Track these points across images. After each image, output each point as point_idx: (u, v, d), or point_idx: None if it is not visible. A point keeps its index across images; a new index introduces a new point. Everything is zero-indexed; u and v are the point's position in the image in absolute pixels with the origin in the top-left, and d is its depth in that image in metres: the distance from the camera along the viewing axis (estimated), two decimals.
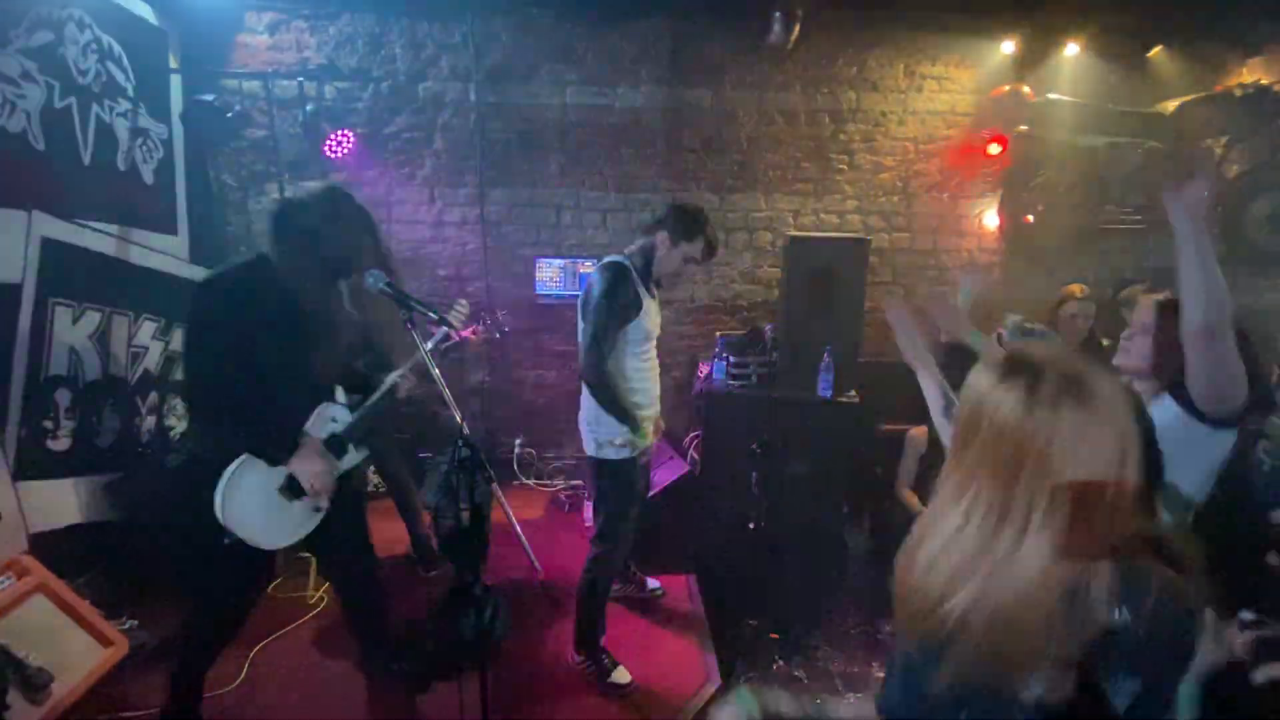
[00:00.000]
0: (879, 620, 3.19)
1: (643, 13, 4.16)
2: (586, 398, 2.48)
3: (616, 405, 2.36)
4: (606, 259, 2.44)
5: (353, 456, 2.04)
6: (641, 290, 2.40)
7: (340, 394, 2.05)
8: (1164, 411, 1.63)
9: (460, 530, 1.71)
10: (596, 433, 2.45)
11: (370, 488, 4.09)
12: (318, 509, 1.95)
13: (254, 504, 1.82)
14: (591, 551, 2.53)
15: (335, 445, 1.97)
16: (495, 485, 1.69)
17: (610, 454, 2.43)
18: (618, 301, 2.31)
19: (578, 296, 2.51)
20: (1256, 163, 4.23)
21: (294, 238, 1.76)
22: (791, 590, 3.26)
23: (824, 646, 3.04)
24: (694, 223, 2.41)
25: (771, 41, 3.99)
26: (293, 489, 1.87)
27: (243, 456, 1.79)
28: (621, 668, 2.56)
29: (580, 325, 2.45)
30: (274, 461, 1.83)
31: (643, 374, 2.48)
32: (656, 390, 2.58)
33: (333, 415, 1.98)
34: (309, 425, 1.92)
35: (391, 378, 2.07)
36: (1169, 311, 1.69)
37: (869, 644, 3.09)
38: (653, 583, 3.23)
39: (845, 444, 3.36)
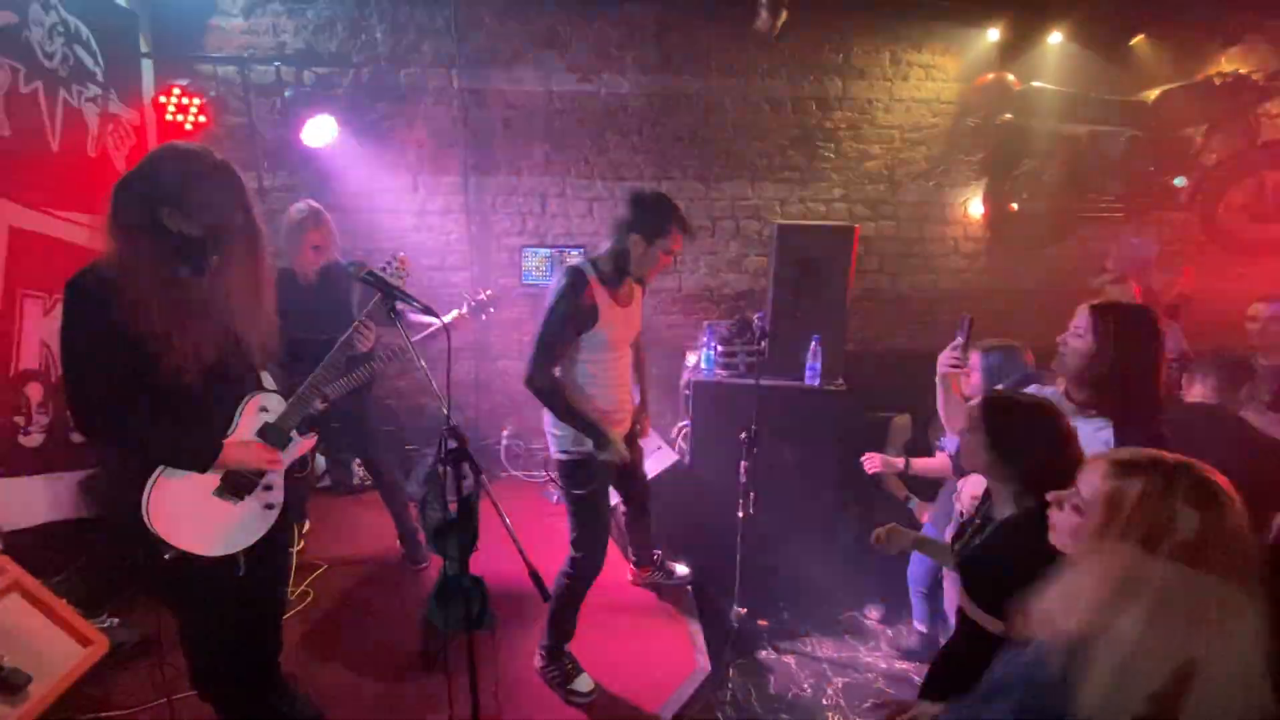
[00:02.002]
0: (866, 605, 3.23)
1: None
2: None
3: (571, 414, 2.31)
4: (569, 263, 2.41)
5: (299, 444, 1.84)
6: (604, 299, 2.33)
7: (268, 380, 1.83)
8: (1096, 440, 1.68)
9: (448, 523, 1.68)
10: (554, 433, 2.43)
11: (356, 480, 4.06)
12: (269, 506, 1.76)
13: (190, 511, 1.65)
14: (569, 555, 2.48)
15: (273, 437, 1.76)
16: (484, 477, 1.64)
17: (569, 448, 2.40)
18: (569, 312, 2.26)
19: None
20: (1234, 151, 4.29)
21: (133, 213, 1.52)
22: (780, 577, 3.28)
23: (812, 633, 3.08)
24: (662, 214, 2.34)
25: (758, 28, 3.96)
26: (232, 488, 1.70)
27: (159, 469, 1.61)
28: (585, 675, 2.49)
29: None
30: (196, 470, 1.64)
31: (599, 383, 2.41)
32: (622, 397, 2.52)
33: (262, 405, 1.77)
34: (234, 424, 1.71)
35: (333, 352, 1.85)
36: (1106, 317, 1.75)
37: (856, 630, 3.13)
38: (681, 569, 3.20)
39: (832, 432, 3.38)
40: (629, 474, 2.79)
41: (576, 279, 2.29)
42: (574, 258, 4.32)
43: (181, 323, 1.55)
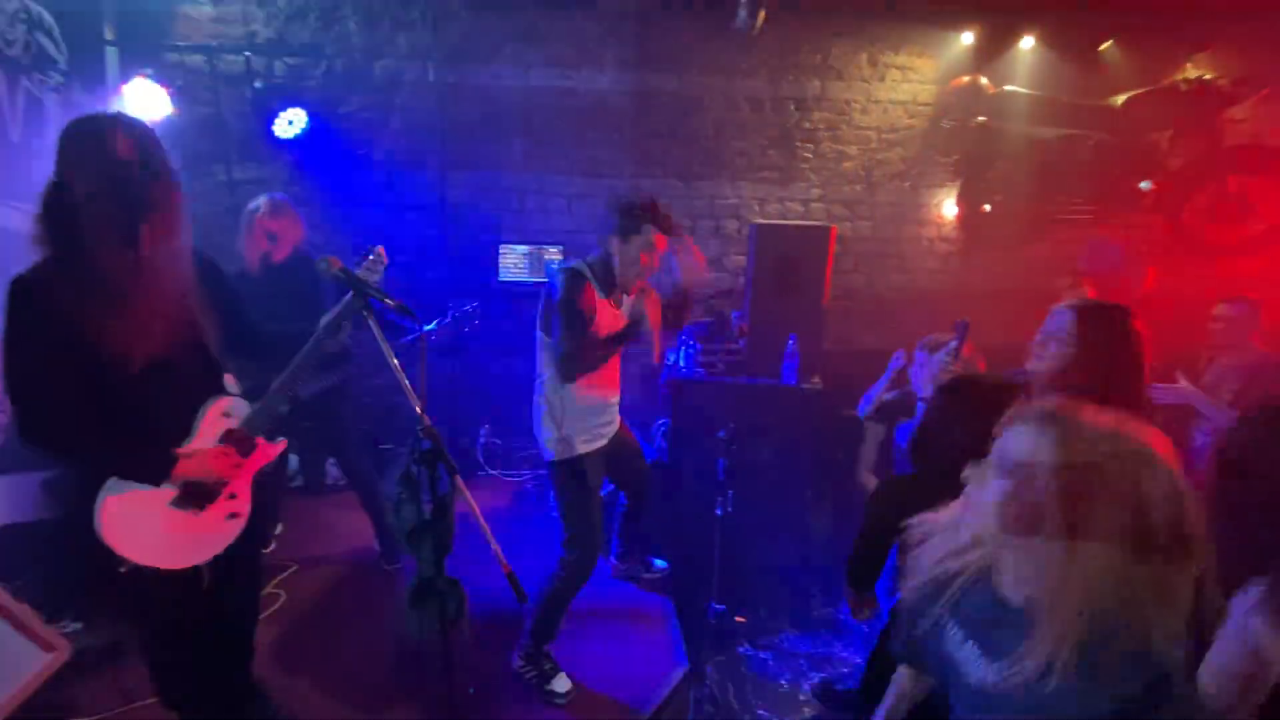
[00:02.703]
0: (842, 602, 3.26)
1: None
2: (537, 404, 2.47)
3: (607, 345, 2.31)
4: (563, 263, 2.41)
5: (266, 450, 1.75)
6: (599, 302, 2.35)
7: (231, 384, 1.74)
8: None
9: (422, 523, 1.66)
10: (543, 435, 2.44)
11: (329, 480, 3.99)
12: (233, 515, 1.67)
13: (146, 523, 1.55)
14: (560, 557, 2.46)
15: (237, 444, 1.66)
16: (458, 477, 1.62)
17: (558, 452, 2.41)
18: (579, 305, 2.27)
19: (543, 284, 2.46)
20: (1199, 155, 4.41)
21: (50, 194, 1.45)
22: (757, 574, 3.30)
23: (789, 629, 3.10)
24: (635, 213, 2.33)
25: (737, 27, 3.97)
26: (192, 498, 1.60)
27: (109, 481, 1.52)
28: (562, 675, 2.49)
29: (539, 337, 2.41)
30: (150, 482, 1.55)
31: (589, 382, 2.40)
32: (610, 397, 2.54)
33: (226, 410, 1.68)
34: (194, 431, 1.63)
35: (305, 348, 1.75)
36: (1088, 318, 1.68)
37: (833, 626, 3.16)
38: (659, 563, 3.24)
39: (809, 430, 3.41)
40: (628, 465, 2.79)
41: (575, 279, 2.30)
42: (553, 252, 4.30)
43: (120, 304, 1.48)
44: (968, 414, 1.50)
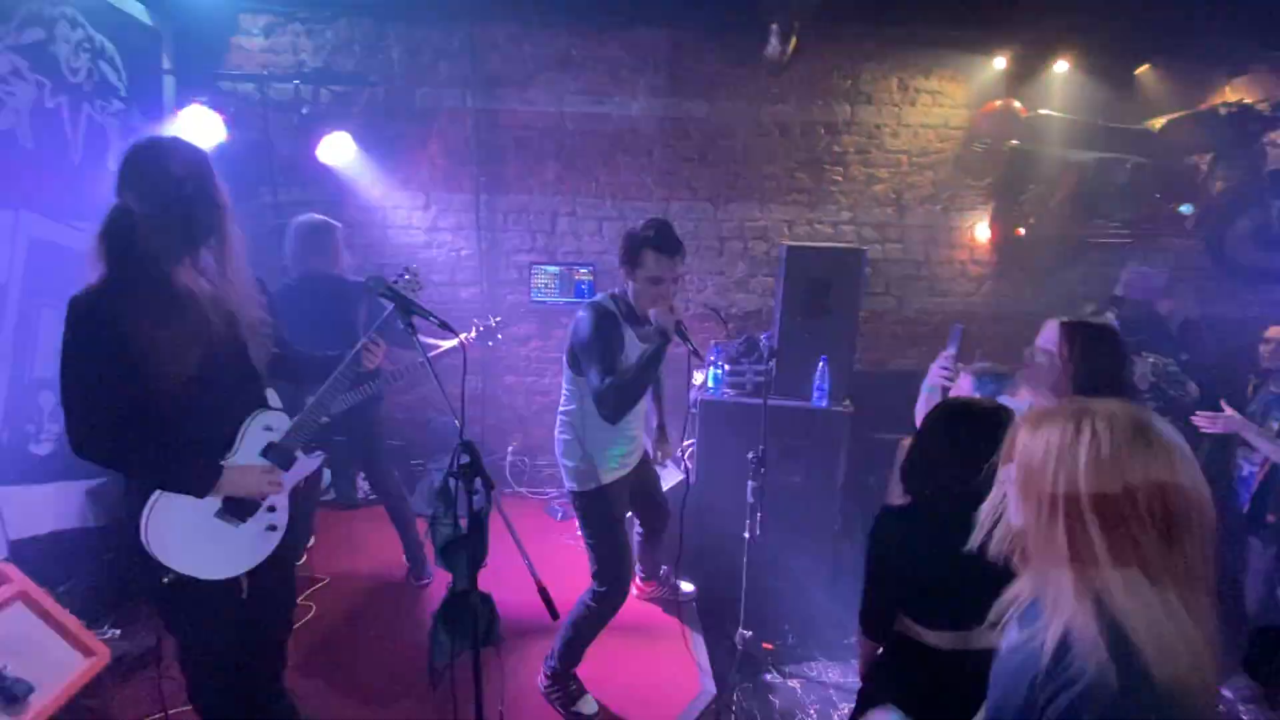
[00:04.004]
0: None
1: (641, 23, 4.18)
2: (560, 433, 2.48)
3: (640, 367, 2.22)
4: (589, 299, 2.41)
5: (305, 464, 1.81)
6: (627, 333, 2.34)
7: (273, 398, 1.79)
8: None
9: (458, 538, 1.67)
10: (567, 464, 2.45)
11: (361, 495, 4.05)
12: (272, 527, 1.72)
13: (190, 534, 1.60)
14: (592, 588, 2.44)
15: (278, 457, 1.72)
16: (495, 492, 1.63)
17: (581, 483, 2.41)
18: (609, 332, 2.26)
19: (573, 303, 2.48)
20: (1240, 180, 4.32)
21: (113, 214, 1.53)
22: (785, 600, 3.24)
23: (818, 657, 3.04)
24: (633, 242, 2.29)
25: (767, 54, 4.03)
26: (235, 511, 1.66)
27: (156, 493, 1.57)
28: (589, 696, 2.48)
29: (567, 374, 2.41)
30: (195, 494, 1.60)
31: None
32: (637, 428, 2.52)
33: (266, 424, 1.73)
34: (237, 444, 1.68)
35: (339, 370, 1.81)
36: (1077, 336, 1.79)
37: None
38: (687, 587, 3.23)
39: (840, 453, 3.36)
40: (647, 497, 2.79)
41: (599, 314, 2.28)
42: (583, 273, 4.36)
43: (175, 326, 1.53)
44: (958, 439, 1.49)
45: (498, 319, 3.27)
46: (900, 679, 1.49)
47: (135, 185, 1.55)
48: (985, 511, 1.08)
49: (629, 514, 2.84)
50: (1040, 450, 0.94)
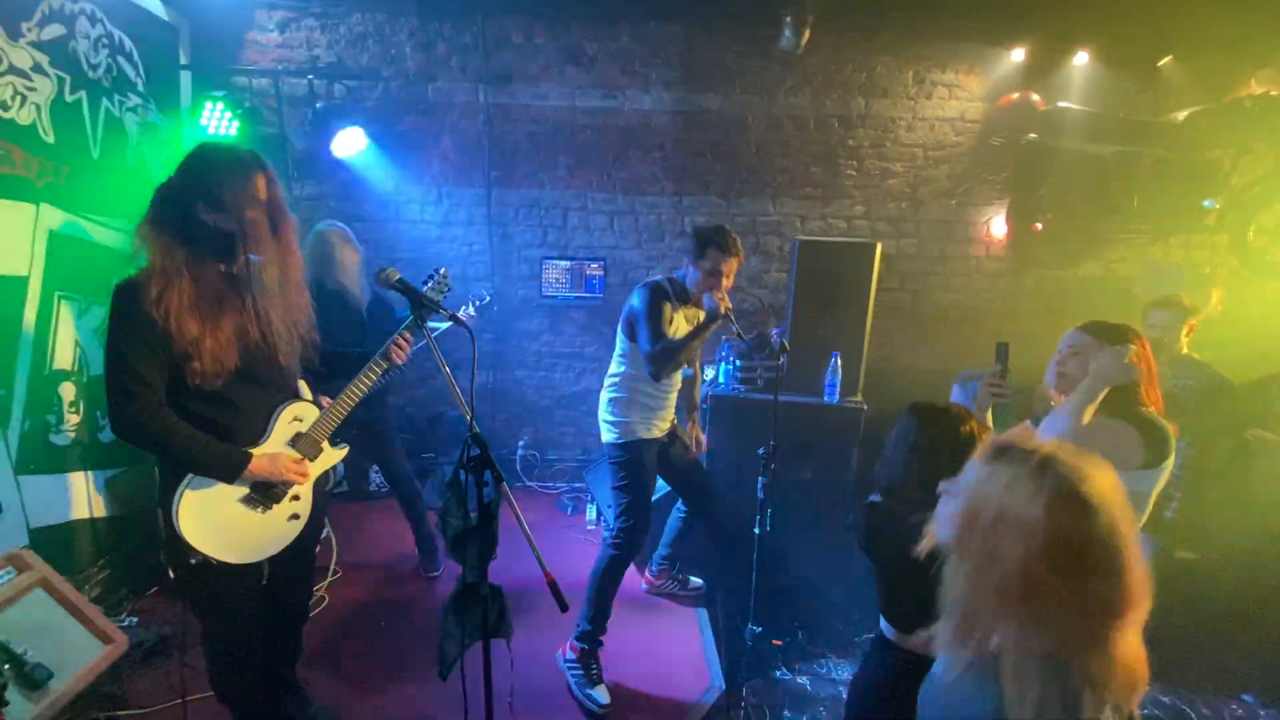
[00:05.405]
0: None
1: (654, 16, 4.16)
2: (608, 393, 2.77)
3: (689, 337, 2.57)
4: (646, 279, 2.72)
5: (330, 455, 1.86)
6: (674, 309, 2.67)
7: (305, 390, 1.86)
8: None
9: (468, 530, 1.67)
10: (609, 419, 2.73)
11: (373, 487, 4.08)
12: (295, 516, 1.77)
13: (218, 519, 1.66)
14: (615, 527, 2.66)
15: (305, 447, 1.79)
16: (505, 485, 1.64)
17: (622, 435, 2.69)
18: (659, 308, 2.58)
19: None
20: (1264, 174, 4.22)
21: (168, 210, 1.58)
22: (796, 596, 3.23)
23: (828, 654, 3.02)
24: (703, 239, 2.64)
25: (782, 46, 3.99)
26: (260, 497, 1.72)
27: (189, 477, 1.64)
28: (604, 687, 2.54)
29: (621, 342, 2.73)
30: (224, 479, 1.67)
31: (658, 385, 2.69)
32: (670, 401, 2.82)
33: (296, 415, 1.80)
34: (269, 432, 1.74)
35: (368, 367, 1.87)
36: (1095, 335, 1.86)
37: None
38: (696, 580, 3.31)
39: (851, 449, 3.34)
40: (690, 475, 2.96)
41: (656, 289, 2.63)
42: (594, 268, 4.36)
43: (216, 319, 1.59)
44: (929, 442, 1.49)
45: (488, 298, 3.51)
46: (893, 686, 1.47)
47: (204, 182, 1.59)
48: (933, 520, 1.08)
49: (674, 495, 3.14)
50: (993, 496, 0.94)
